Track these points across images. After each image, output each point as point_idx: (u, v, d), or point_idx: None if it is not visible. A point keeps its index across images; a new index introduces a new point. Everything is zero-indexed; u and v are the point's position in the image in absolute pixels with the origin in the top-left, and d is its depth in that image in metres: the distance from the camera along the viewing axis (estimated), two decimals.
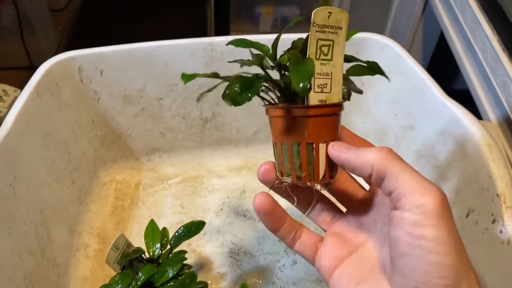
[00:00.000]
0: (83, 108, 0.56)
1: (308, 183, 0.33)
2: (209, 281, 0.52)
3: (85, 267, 0.53)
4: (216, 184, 0.63)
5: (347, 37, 0.32)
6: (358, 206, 0.35)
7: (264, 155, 0.66)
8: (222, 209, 0.60)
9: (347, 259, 0.33)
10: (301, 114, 0.31)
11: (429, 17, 1.24)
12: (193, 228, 0.47)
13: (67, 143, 0.54)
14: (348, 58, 0.33)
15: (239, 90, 0.32)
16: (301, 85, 0.27)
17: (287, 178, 0.33)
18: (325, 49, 0.30)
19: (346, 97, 0.34)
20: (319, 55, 0.30)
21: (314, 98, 0.30)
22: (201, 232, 0.57)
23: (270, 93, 0.34)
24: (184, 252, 0.46)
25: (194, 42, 0.53)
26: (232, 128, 0.63)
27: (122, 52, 0.53)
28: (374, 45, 0.55)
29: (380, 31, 1.38)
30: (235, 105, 0.31)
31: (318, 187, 0.35)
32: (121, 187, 0.62)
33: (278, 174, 0.34)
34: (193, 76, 0.34)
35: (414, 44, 1.32)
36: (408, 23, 1.29)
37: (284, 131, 0.32)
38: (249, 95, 0.31)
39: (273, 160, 0.35)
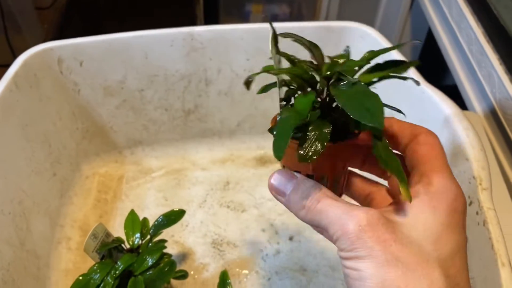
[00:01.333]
0: (64, 100, 0.56)
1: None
2: (192, 272, 0.52)
3: (67, 260, 0.53)
4: (199, 176, 0.63)
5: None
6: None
7: (248, 146, 0.66)
8: (205, 200, 0.60)
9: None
10: (350, 144, 0.30)
11: (417, 13, 1.24)
12: (173, 217, 0.47)
13: (47, 135, 0.54)
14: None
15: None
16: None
17: None
18: None
19: None
20: None
21: None
22: (184, 224, 0.57)
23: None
24: (164, 241, 0.46)
25: (173, 32, 0.53)
26: (216, 120, 0.63)
27: (101, 43, 0.53)
28: (355, 34, 0.55)
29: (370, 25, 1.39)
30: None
31: None
32: (104, 180, 0.62)
33: None
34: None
35: (403, 40, 1.33)
36: (396, 19, 1.30)
37: (330, 164, 0.31)
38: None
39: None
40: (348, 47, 0.34)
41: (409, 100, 0.49)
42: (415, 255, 0.25)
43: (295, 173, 0.30)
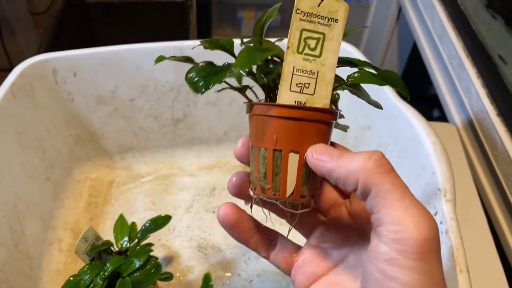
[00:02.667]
0: (58, 108, 0.58)
1: (274, 199, 0.28)
2: (178, 274, 0.55)
3: (59, 261, 0.55)
4: (187, 182, 0.65)
5: (346, 33, 0.27)
6: (341, 215, 0.30)
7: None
8: (192, 206, 0.62)
9: (324, 278, 0.30)
10: (265, 112, 0.27)
11: (403, 25, 1.28)
12: (160, 222, 0.50)
13: (41, 141, 0.56)
14: (353, 62, 0.29)
15: (202, 76, 0.27)
16: (237, 69, 0.23)
17: (252, 190, 0.29)
18: (311, 43, 0.26)
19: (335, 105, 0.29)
20: (303, 49, 0.26)
21: (288, 98, 0.26)
22: (171, 228, 0.59)
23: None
24: (151, 244, 0.49)
25: (164, 46, 0.56)
26: (203, 128, 0.66)
27: (94, 55, 0.56)
28: None
29: (358, 38, 1.43)
30: (195, 91, 0.27)
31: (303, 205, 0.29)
32: (95, 185, 0.64)
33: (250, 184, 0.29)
34: (161, 59, 0.31)
35: (390, 50, 1.36)
36: (383, 31, 1.33)
37: (255, 131, 0.28)
38: (212, 83, 0.26)
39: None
40: None
41: (383, 114, 0.52)
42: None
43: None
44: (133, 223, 0.51)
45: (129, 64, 0.57)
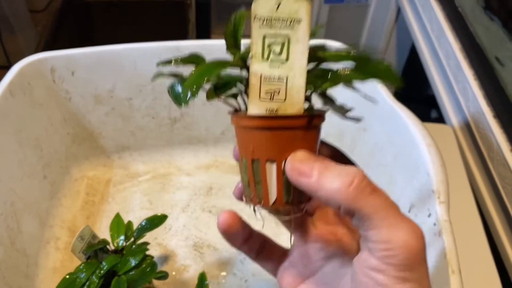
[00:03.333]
0: (55, 107, 0.58)
1: (259, 206, 0.28)
2: (173, 272, 0.55)
3: (55, 259, 0.55)
4: (184, 182, 0.66)
5: (313, 32, 0.26)
6: (327, 215, 0.31)
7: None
8: (189, 205, 0.63)
9: (310, 279, 0.30)
10: (239, 124, 0.27)
11: (402, 26, 1.28)
12: (156, 221, 0.50)
13: (39, 139, 0.57)
14: (321, 58, 0.27)
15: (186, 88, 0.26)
16: (186, 92, 0.24)
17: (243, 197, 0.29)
18: (276, 48, 0.25)
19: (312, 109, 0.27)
20: (268, 55, 0.25)
21: (258, 107, 0.25)
22: (167, 227, 0.60)
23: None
24: (147, 243, 0.49)
25: (161, 46, 0.56)
26: (201, 128, 0.66)
27: (92, 54, 0.56)
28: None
29: (357, 39, 1.43)
30: (178, 104, 0.27)
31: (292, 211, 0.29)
32: (92, 183, 0.64)
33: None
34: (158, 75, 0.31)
35: (389, 51, 1.37)
36: (382, 31, 1.34)
37: (237, 141, 0.28)
38: (191, 95, 0.26)
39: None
40: None
41: (380, 115, 0.53)
42: None
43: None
44: (129, 222, 0.51)
45: (127, 63, 0.57)
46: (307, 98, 0.26)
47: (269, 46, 0.25)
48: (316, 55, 0.26)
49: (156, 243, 0.58)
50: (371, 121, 0.55)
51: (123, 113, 0.62)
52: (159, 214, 0.51)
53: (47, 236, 0.57)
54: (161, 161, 0.67)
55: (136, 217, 0.60)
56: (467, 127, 0.75)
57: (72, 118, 0.61)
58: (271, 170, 0.26)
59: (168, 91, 0.28)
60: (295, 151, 0.26)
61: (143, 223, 0.50)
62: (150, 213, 0.61)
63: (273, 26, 0.24)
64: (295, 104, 0.25)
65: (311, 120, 0.26)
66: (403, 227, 0.23)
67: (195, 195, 0.64)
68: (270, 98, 0.25)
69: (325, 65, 0.27)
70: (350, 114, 0.28)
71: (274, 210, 0.29)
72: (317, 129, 0.27)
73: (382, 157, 0.53)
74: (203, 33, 1.50)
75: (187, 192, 0.64)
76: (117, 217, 0.51)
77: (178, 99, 0.28)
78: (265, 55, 0.25)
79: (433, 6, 0.91)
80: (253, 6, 0.24)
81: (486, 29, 0.78)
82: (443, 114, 0.84)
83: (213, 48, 0.58)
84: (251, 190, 0.27)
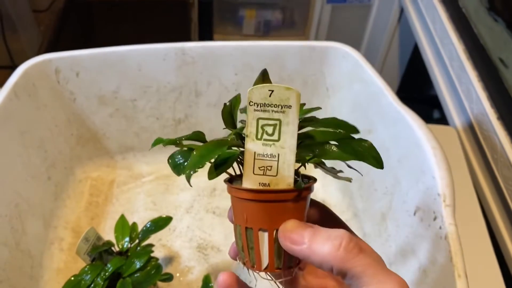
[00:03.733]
0: (60, 108, 0.58)
1: (252, 270, 0.30)
2: (178, 274, 0.55)
3: (59, 260, 0.55)
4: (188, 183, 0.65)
5: (301, 114, 0.29)
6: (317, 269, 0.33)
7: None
8: (192, 206, 0.63)
9: None
10: (234, 194, 0.29)
11: (404, 26, 1.28)
12: (161, 223, 0.50)
13: (43, 141, 0.57)
14: (310, 135, 0.29)
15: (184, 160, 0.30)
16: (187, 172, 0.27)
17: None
18: (269, 129, 0.27)
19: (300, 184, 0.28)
20: (261, 135, 0.27)
21: (252, 181, 0.28)
22: (171, 228, 0.60)
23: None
24: (152, 245, 0.49)
25: (166, 47, 0.56)
26: (205, 129, 0.65)
27: (97, 55, 0.56)
28: (337, 54, 0.58)
29: (359, 40, 1.43)
30: (177, 173, 0.30)
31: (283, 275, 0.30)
32: (96, 184, 0.64)
33: None
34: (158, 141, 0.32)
35: (391, 51, 1.37)
36: (384, 32, 1.33)
37: (232, 208, 0.30)
38: (194, 167, 0.28)
39: None
40: (265, 70, 0.32)
41: (385, 118, 0.53)
42: None
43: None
44: (134, 224, 0.51)
45: (131, 64, 0.57)
46: (296, 173, 0.28)
47: (262, 127, 0.27)
48: (305, 133, 0.29)
49: (160, 244, 0.58)
50: (377, 124, 0.55)
51: (127, 114, 0.62)
52: (164, 215, 0.51)
53: (51, 237, 0.57)
54: (165, 162, 0.67)
55: (140, 218, 0.60)
56: (470, 129, 0.75)
57: (76, 119, 0.61)
58: (263, 238, 0.28)
59: (168, 161, 0.31)
60: (285, 221, 0.28)
61: (148, 225, 0.50)
62: (154, 214, 0.61)
63: (266, 110, 0.27)
64: (285, 178, 0.28)
65: (300, 193, 0.28)
66: (392, 282, 0.25)
67: (198, 196, 0.64)
68: (263, 173, 0.28)
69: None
70: (340, 174, 0.30)
71: (266, 273, 0.30)
72: (306, 200, 0.29)
73: (387, 160, 0.53)
74: (205, 33, 1.50)
75: (190, 193, 0.64)
76: (122, 219, 0.51)
77: (177, 169, 0.30)
78: (259, 135, 0.27)
79: (437, 6, 0.91)
80: (249, 93, 0.27)
81: (490, 30, 0.78)
82: (446, 116, 0.84)
83: (217, 49, 0.58)
84: (245, 255, 0.29)
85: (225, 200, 0.63)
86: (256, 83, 0.28)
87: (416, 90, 1.39)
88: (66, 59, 0.55)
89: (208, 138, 0.69)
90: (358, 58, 0.56)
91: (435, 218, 0.43)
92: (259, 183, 0.28)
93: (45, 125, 0.57)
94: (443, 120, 0.90)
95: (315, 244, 0.26)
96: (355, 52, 0.57)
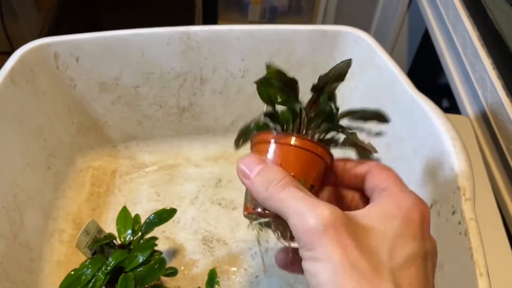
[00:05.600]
0: (59, 95, 0.56)
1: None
2: (182, 267, 0.53)
3: (60, 252, 0.54)
4: (192, 173, 0.64)
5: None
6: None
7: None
8: (197, 197, 0.61)
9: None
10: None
11: (414, 13, 1.25)
12: (165, 215, 0.48)
13: (42, 129, 0.54)
14: None
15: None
16: None
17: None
18: None
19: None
20: None
21: None
22: (175, 220, 0.58)
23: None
24: (155, 238, 0.47)
25: (170, 31, 0.54)
26: (210, 118, 0.64)
27: (97, 40, 0.53)
28: (349, 38, 0.56)
29: (367, 26, 1.40)
30: None
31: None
32: (98, 174, 0.62)
33: None
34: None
35: (400, 39, 1.33)
36: (393, 18, 1.30)
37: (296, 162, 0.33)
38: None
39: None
40: None
41: (399, 107, 0.50)
42: (371, 264, 0.25)
43: (266, 158, 0.31)
44: (137, 216, 0.49)
45: (133, 49, 0.55)
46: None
47: None
48: None
49: (164, 236, 0.56)
50: (390, 113, 0.52)
51: (130, 102, 0.60)
52: (168, 207, 0.49)
53: (51, 229, 0.55)
54: (169, 151, 0.65)
55: (143, 209, 0.58)
56: (484, 118, 0.73)
57: (76, 106, 0.58)
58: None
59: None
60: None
61: (151, 217, 0.48)
62: (157, 205, 0.59)
63: None
64: None
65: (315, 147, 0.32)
66: (303, 211, 0.26)
67: (203, 187, 0.62)
68: None
69: None
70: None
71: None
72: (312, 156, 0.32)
73: (402, 150, 0.50)
74: (210, 20, 1.47)
75: (195, 184, 0.62)
76: (124, 211, 0.49)
77: None
78: None
79: None
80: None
81: (506, 15, 0.75)
82: (458, 105, 0.82)
83: (223, 34, 0.56)
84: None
85: (231, 191, 0.61)
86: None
87: (425, 78, 1.36)
88: (65, 43, 0.53)
89: (213, 127, 0.66)
90: (372, 43, 0.53)
91: (453, 213, 0.40)
92: None
93: (44, 112, 0.55)
94: (452, 109, 0.87)
95: (257, 179, 0.29)
96: (369, 37, 0.54)
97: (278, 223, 0.31)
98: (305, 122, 0.33)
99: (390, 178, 0.30)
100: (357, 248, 0.25)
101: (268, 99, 0.34)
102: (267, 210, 0.30)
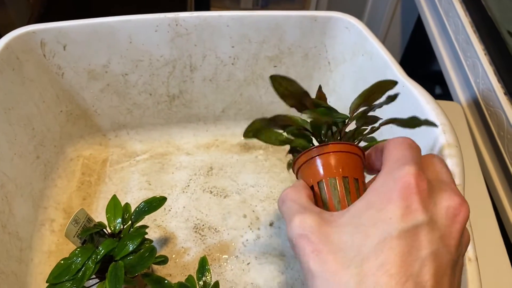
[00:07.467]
0: (47, 83, 0.55)
1: None
2: (173, 255, 0.53)
3: (50, 242, 0.53)
4: (184, 161, 0.63)
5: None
6: None
7: (233, 132, 0.66)
8: (188, 185, 0.60)
9: None
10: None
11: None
12: (155, 203, 0.48)
13: (30, 118, 0.54)
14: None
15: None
16: None
17: None
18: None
19: None
20: None
21: None
22: (167, 208, 0.57)
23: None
24: (145, 227, 0.47)
25: (158, 18, 0.53)
26: (200, 105, 0.63)
27: (85, 27, 0.52)
28: (340, 24, 0.55)
29: (360, 14, 1.39)
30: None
31: None
32: (88, 163, 0.62)
33: None
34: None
35: (392, 26, 1.33)
36: (386, 5, 1.29)
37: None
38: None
39: None
40: None
41: (389, 92, 0.50)
42: (339, 262, 0.25)
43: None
44: (127, 204, 0.49)
45: (121, 36, 0.54)
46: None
47: None
48: None
49: (155, 225, 0.56)
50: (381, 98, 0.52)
51: (119, 90, 0.59)
52: (158, 195, 0.49)
53: (41, 218, 0.54)
54: (159, 140, 0.65)
55: (134, 198, 0.58)
56: (475, 105, 0.73)
57: (65, 95, 0.58)
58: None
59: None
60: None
61: (141, 206, 0.47)
62: (149, 194, 0.59)
63: None
64: None
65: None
66: (286, 224, 0.30)
67: (195, 175, 0.61)
68: None
69: None
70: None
71: None
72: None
73: (391, 136, 0.50)
74: (202, 7, 1.45)
75: (186, 172, 0.62)
76: (114, 199, 0.48)
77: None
78: None
79: None
80: None
81: (499, 1, 0.75)
82: (450, 91, 0.82)
83: (212, 20, 0.55)
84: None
85: (222, 180, 0.61)
86: None
87: (418, 66, 1.36)
88: (51, 30, 0.52)
89: (204, 115, 0.66)
90: (363, 29, 0.52)
91: None
92: None
93: (32, 101, 0.54)
94: (444, 96, 0.87)
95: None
96: (359, 22, 0.53)
97: None
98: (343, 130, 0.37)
99: (390, 155, 0.30)
100: (324, 251, 0.26)
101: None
102: None
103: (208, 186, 0.60)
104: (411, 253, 0.24)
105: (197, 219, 0.57)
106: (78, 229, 0.45)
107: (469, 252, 0.36)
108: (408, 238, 0.24)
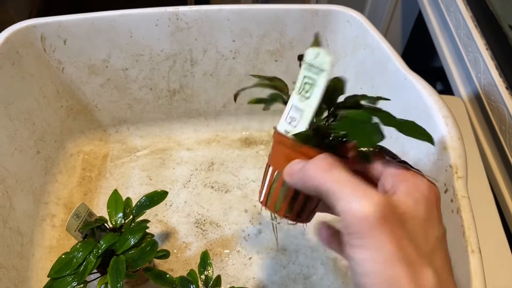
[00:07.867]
0: (47, 78, 0.55)
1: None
2: (175, 250, 0.53)
3: (51, 237, 0.53)
4: (184, 156, 0.63)
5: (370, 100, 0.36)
6: None
7: (233, 128, 0.66)
8: (190, 180, 0.60)
9: None
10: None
11: None
12: (156, 197, 0.48)
13: (30, 113, 0.54)
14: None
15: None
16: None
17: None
18: (307, 87, 0.31)
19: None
20: (301, 91, 0.32)
21: (282, 127, 0.33)
22: (168, 203, 0.57)
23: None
24: (147, 221, 0.47)
25: (158, 12, 0.53)
26: (201, 100, 0.63)
27: (85, 21, 0.52)
28: (341, 18, 0.55)
29: (361, 8, 1.38)
30: None
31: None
32: (89, 158, 0.62)
33: None
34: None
35: (393, 21, 1.32)
36: (387, 0, 1.29)
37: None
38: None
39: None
40: (317, 33, 0.36)
41: (391, 85, 0.50)
42: (415, 251, 0.24)
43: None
44: (128, 199, 0.48)
45: (122, 31, 0.54)
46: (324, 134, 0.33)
47: (304, 84, 0.32)
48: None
49: (157, 220, 0.55)
50: (383, 92, 0.52)
51: (119, 85, 0.59)
52: (159, 190, 0.49)
53: (42, 213, 0.54)
54: (160, 135, 0.65)
55: (135, 193, 0.58)
56: (477, 99, 0.73)
57: (65, 89, 0.57)
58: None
59: None
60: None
61: (143, 200, 0.47)
62: (150, 189, 0.58)
63: (310, 70, 0.31)
64: (298, 131, 0.32)
65: (298, 144, 0.32)
66: (357, 197, 0.25)
67: (196, 171, 0.61)
68: (289, 123, 0.32)
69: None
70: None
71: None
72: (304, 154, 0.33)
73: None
74: (202, 2, 1.45)
75: (187, 167, 0.62)
76: (115, 194, 0.48)
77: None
78: (300, 90, 0.32)
79: None
80: (305, 53, 0.31)
81: None
82: (452, 86, 0.81)
83: (213, 14, 0.55)
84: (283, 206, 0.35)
85: (223, 175, 0.61)
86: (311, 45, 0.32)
87: (419, 61, 1.35)
88: (51, 25, 0.51)
89: (205, 110, 0.66)
90: (364, 23, 0.52)
91: (446, 191, 0.40)
92: (284, 130, 0.32)
93: (32, 96, 0.54)
94: (446, 92, 0.87)
95: (305, 171, 0.28)
96: (361, 16, 0.53)
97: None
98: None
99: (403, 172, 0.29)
100: (405, 238, 0.24)
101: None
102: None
103: (209, 181, 0.60)
104: (448, 254, 0.27)
105: (199, 214, 0.56)
106: (79, 223, 0.44)
107: (472, 244, 0.35)
108: (446, 241, 0.28)
